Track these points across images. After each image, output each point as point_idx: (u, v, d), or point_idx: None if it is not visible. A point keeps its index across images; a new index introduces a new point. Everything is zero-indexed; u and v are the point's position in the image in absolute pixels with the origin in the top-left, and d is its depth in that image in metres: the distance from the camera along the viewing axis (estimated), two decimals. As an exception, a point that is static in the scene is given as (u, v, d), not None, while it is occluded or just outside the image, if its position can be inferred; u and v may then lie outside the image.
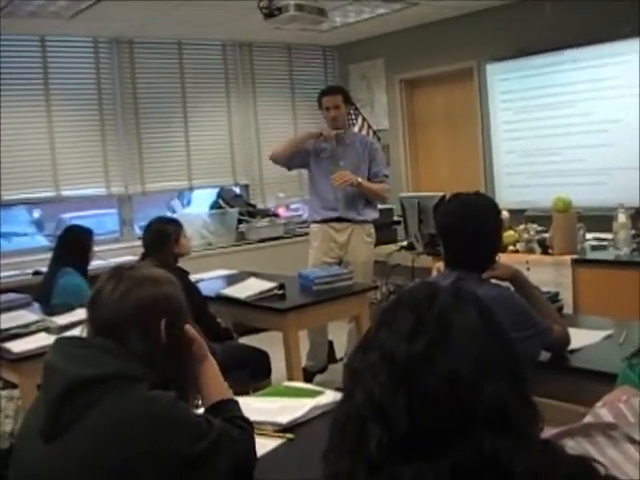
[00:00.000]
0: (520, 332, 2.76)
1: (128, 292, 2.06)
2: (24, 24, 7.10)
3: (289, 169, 6.74)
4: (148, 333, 2.05)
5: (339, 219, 6.36)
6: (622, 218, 5.23)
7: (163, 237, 5.02)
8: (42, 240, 7.91)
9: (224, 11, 7.44)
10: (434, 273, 3.45)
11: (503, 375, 1.19)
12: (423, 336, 1.19)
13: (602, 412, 1.68)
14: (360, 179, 6.22)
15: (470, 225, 3.07)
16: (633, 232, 5.39)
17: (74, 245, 5.69)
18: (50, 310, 5.22)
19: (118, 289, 2.06)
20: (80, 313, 4.81)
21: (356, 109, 9.44)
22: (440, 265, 3.33)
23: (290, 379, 4.65)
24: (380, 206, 7.79)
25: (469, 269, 3.03)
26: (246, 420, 2.22)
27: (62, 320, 4.84)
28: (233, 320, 5.87)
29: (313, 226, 6.57)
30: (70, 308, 5.05)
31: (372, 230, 6.51)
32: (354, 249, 6.36)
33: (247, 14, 7.11)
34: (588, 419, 1.69)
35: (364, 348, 1.27)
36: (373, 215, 6.51)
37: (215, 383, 2.28)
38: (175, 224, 5.19)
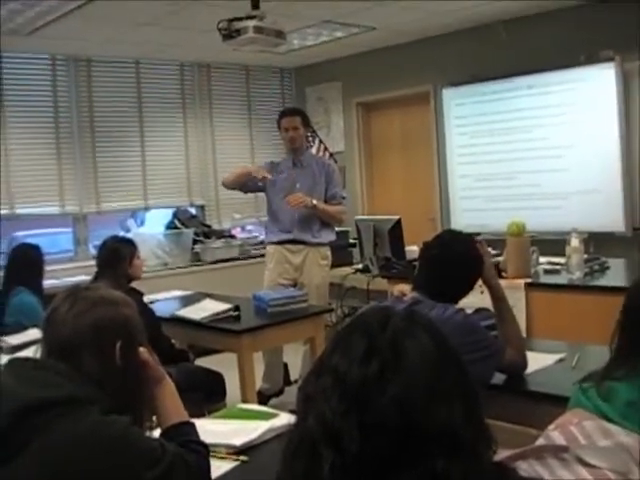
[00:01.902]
0: (473, 354, 2.78)
1: (84, 312, 2.04)
2: (-20, 40, 7.05)
3: (245, 193, 6.78)
4: (102, 355, 2.03)
5: (294, 241, 6.36)
6: (575, 242, 5.28)
7: (117, 257, 4.99)
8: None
9: (182, 32, 7.46)
10: (389, 295, 3.49)
11: (455, 399, 1.20)
12: (375, 360, 1.19)
13: (554, 435, 1.69)
14: (315, 201, 6.24)
15: (455, 257, 3.19)
16: (586, 256, 5.45)
17: (25, 263, 5.64)
18: (2, 329, 5.14)
19: (73, 309, 2.04)
20: (33, 333, 4.77)
21: (313, 131, 9.49)
22: (399, 288, 3.37)
23: (244, 401, 4.64)
24: (336, 228, 7.83)
25: (439, 299, 3.09)
26: (202, 444, 2.21)
27: (15, 340, 4.79)
28: (188, 341, 5.84)
29: (269, 247, 6.58)
30: (23, 328, 4.99)
31: (328, 253, 6.51)
32: (309, 271, 6.35)
33: (205, 35, 7.12)
34: (540, 442, 1.70)
35: (317, 372, 1.28)
36: (329, 237, 6.51)
37: (172, 405, 2.26)
38: (130, 244, 5.16)
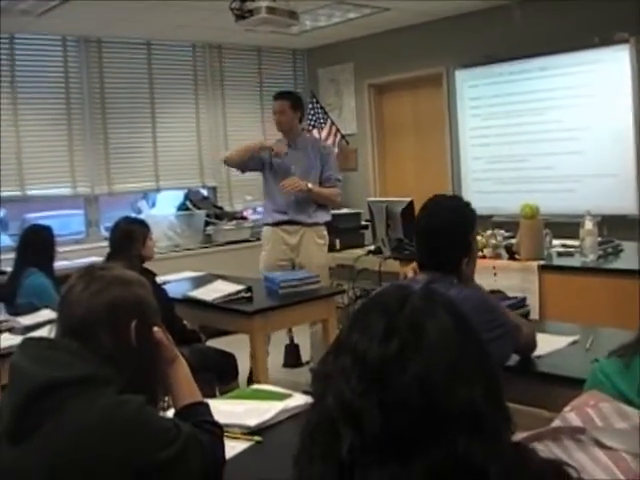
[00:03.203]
0: (491, 332, 2.77)
1: (99, 292, 2.04)
2: (-8, 22, 7.04)
3: (243, 172, 6.78)
4: (118, 334, 2.03)
5: (290, 222, 6.39)
6: (589, 225, 5.26)
7: (130, 237, 4.99)
8: (6, 239, 7.82)
9: (194, 12, 7.43)
10: (402, 277, 3.46)
11: (476, 378, 1.19)
12: (395, 339, 1.18)
13: (570, 416, 1.68)
14: (310, 185, 6.25)
15: (441, 224, 3.11)
16: (599, 239, 5.42)
17: (37, 244, 5.64)
18: (15, 310, 5.16)
19: (89, 288, 2.04)
20: (45, 314, 4.79)
21: (325, 113, 9.46)
22: (410, 269, 3.34)
23: (257, 382, 4.64)
24: (347, 210, 7.84)
25: (442, 271, 3.03)
26: (216, 424, 2.21)
27: (27, 320, 4.80)
28: (200, 322, 5.84)
29: (265, 229, 6.62)
30: (35, 308, 5.01)
31: (324, 232, 6.54)
32: (306, 251, 6.38)
33: (217, 16, 7.10)
34: (556, 423, 1.69)
35: (335, 351, 1.26)
36: (325, 218, 6.54)
37: (186, 385, 2.26)
38: (143, 225, 5.17)
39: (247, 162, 6.46)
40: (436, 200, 3.28)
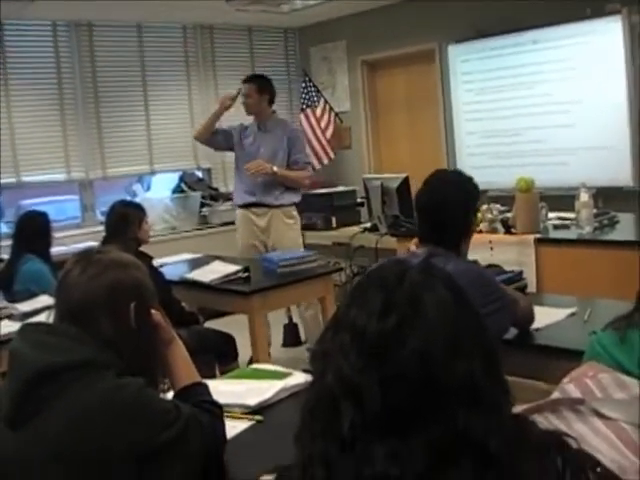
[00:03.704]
0: (488, 306, 2.77)
1: (97, 275, 2.04)
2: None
3: (215, 149, 6.95)
4: (117, 317, 2.03)
5: (257, 204, 6.46)
6: (584, 197, 5.26)
7: (126, 221, 4.99)
8: (2, 227, 7.81)
9: (184, -7, 7.40)
10: (404, 252, 3.45)
11: (474, 352, 1.19)
12: (393, 314, 1.18)
13: (569, 388, 1.68)
14: (276, 168, 6.30)
15: (444, 199, 3.10)
16: (595, 211, 5.43)
17: (33, 230, 5.63)
18: (12, 297, 5.16)
19: (87, 272, 2.04)
20: (43, 299, 4.79)
21: (318, 91, 9.45)
22: (413, 244, 3.33)
23: (256, 361, 4.65)
24: (343, 188, 7.85)
25: (443, 246, 3.03)
26: (215, 404, 2.22)
27: (25, 307, 4.81)
28: (198, 304, 5.85)
29: (237, 211, 6.72)
30: (33, 294, 5.02)
31: (294, 212, 6.59)
32: (276, 233, 6.44)
33: (207, -4, 7.09)
34: (556, 395, 1.70)
35: (334, 328, 1.26)
36: (293, 199, 6.57)
37: (184, 367, 2.27)
38: (138, 209, 5.17)
39: (215, 138, 6.62)
40: (438, 175, 3.28)
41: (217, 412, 2.19)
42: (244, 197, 6.52)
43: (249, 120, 6.69)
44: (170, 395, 2.23)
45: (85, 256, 2.12)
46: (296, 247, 6.38)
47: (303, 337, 6.81)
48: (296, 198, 6.60)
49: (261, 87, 6.55)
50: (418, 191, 3.25)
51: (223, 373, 4.65)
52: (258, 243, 6.49)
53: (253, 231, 6.48)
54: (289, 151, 6.45)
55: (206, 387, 2.27)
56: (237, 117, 6.95)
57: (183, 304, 5.31)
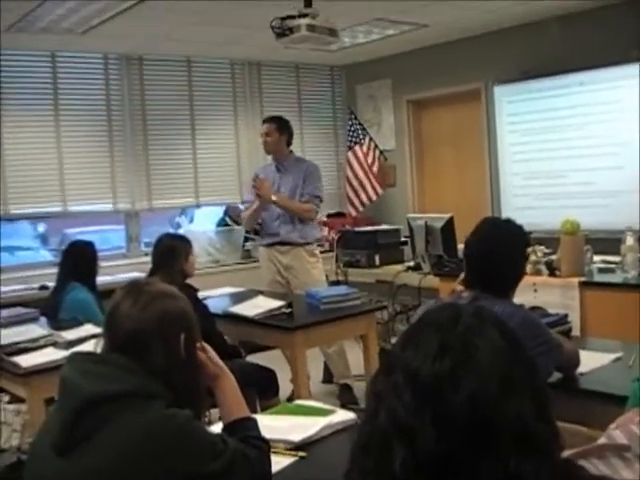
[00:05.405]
0: (536, 348, 2.77)
1: (149, 305, 2.07)
2: (35, 40, 7.17)
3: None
4: (168, 347, 2.05)
5: (281, 243, 6.61)
6: (630, 241, 5.23)
7: (173, 253, 5.03)
8: (46, 255, 7.91)
9: (233, 30, 7.50)
10: (444, 292, 3.45)
11: (526, 395, 1.20)
12: (448, 357, 1.20)
13: (615, 434, 1.68)
14: (274, 197, 6.47)
15: (496, 247, 3.11)
16: (640, 255, 5.40)
17: (80, 259, 5.68)
18: (58, 325, 5.20)
19: (138, 303, 2.06)
20: (88, 328, 4.83)
21: (364, 129, 9.50)
22: (458, 285, 3.33)
23: (297, 397, 4.65)
24: (387, 226, 7.87)
25: (489, 292, 3.03)
26: (263, 439, 2.22)
27: (70, 335, 4.84)
28: (240, 338, 5.87)
29: (260, 249, 6.95)
30: (78, 323, 5.05)
31: (316, 251, 6.74)
32: (298, 273, 6.56)
33: (256, 33, 7.19)
34: (602, 441, 1.69)
35: (387, 369, 1.28)
36: (315, 234, 6.76)
37: (233, 400, 2.28)
38: (185, 242, 5.20)
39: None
40: (488, 223, 3.29)
41: (265, 448, 2.19)
42: (267, 239, 6.72)
43: (268, 159, 6.88)
44: (214, 428, 2.24)
45: (134, 287, 2.14)
46: (320, 285, 6.44)
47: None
48: (318, 234, 6.82)
49: (280, 127, 6.74)
50: (467, 238, 3.26)
51: (264, 408, 4.64)
52: (282, 281, 6.62)
53: (278, 269, 6.64)
54: (303, 185, 6.60)
55: (255, 422, 2.28)
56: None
57: (225, 337, 5.33)
